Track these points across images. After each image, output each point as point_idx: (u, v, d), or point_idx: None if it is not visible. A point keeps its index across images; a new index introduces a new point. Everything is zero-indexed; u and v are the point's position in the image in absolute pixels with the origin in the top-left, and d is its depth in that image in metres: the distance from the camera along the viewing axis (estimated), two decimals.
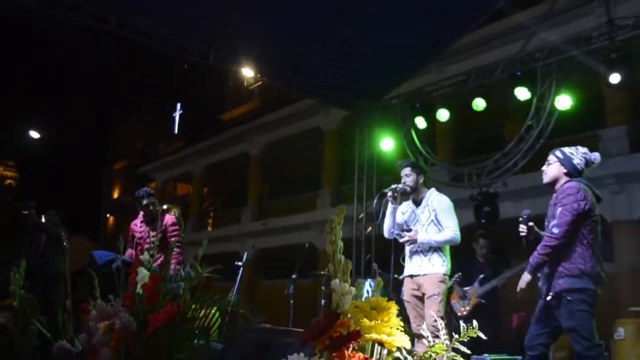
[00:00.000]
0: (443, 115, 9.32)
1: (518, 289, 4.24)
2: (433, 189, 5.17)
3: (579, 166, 4.28)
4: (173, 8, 7.41)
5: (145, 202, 6.61)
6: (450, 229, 4.88)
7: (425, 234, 4.89)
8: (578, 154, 4.32)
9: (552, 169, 4.35)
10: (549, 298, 4.12)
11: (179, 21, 7.69)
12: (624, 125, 10.77)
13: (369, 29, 7.95)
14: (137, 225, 6.72)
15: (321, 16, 7.78)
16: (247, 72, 8.77)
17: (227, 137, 22.04)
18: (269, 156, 20.49)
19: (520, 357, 5.77)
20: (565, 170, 4.29)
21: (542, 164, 4.51)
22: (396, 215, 5.09)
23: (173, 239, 6.05)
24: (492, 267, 7.85)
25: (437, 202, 4.99)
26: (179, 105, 32.72)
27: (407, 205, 5.13)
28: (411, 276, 5.01)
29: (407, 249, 5.08)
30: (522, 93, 8.20)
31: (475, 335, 1.82)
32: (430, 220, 4.96)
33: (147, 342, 2.19)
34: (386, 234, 5.17)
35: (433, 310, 4.66)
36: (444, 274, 4.90)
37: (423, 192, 5.09)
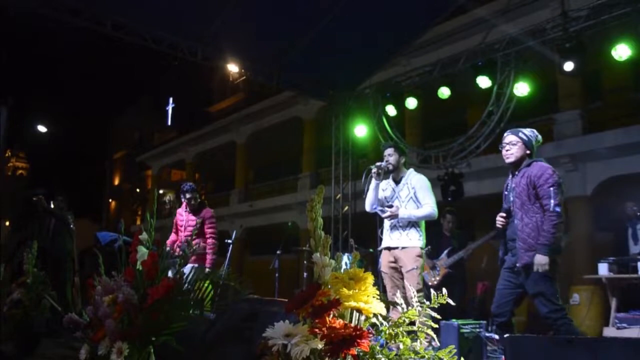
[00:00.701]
0: (411, 103, 9.28)
1: (541, 270, 3.91)
2: (412, 169, 5.10)
3: (535, 146, 4.24)
4: (163, 10, 7.38)
5: (188, 196, 6.77)
6: (429, 205, 4.81)
7: (406, 209, 4.80)
8: (534, 135, 4.27)
9: (518, 150, 4.21)
10: (516, 269, 4.06)
11: (169, 22, 7.65)
12: (577, 110, 10.73)
13: (343, 25, 7.98)
14: (181, 214, 6.86)
15: (299, 15, 7.83)
16: (232, 68, 8.74)
17: (215, 128, 22.00)
18: (253, 144, 20.48)
19: (484, 322, 5.68)
20: (528, 151, 4.21)
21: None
22: (378, 191, 5.00)
23: (210, 230, 6.57)
24: (458, 240, 7.82)
25: (416, 180, 4.92)
26: (171, 99, 32.61)
27: (387, 183, 5.04)
28: (389, 249, 4.91)
29: (387, 223, 4.99)
30: (483, 81, 8.15)
31: (444, 302, 1.81)
32: (409, 197, 4.88)
33: (146, 313, 2.22)
34: (368, 208, 5.05)
35: (413, 283, 4.58)
36: (421, 248, 4.82)
37: (403, 172, 5.01)
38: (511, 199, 4.18)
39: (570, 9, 7.54)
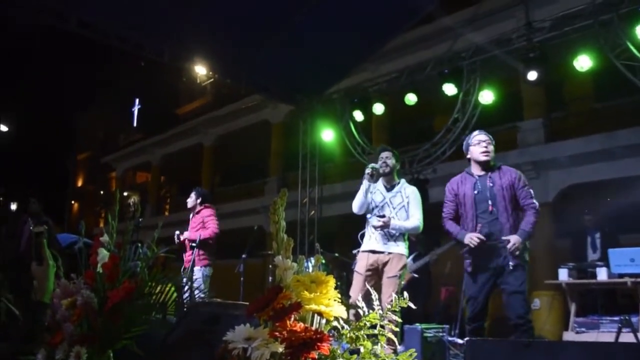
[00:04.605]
0: (378, 108, 9.36)
1: (513, 249, 4.08)
2: (404, 179, 5.04)
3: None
4: (130, 9, 7.24)
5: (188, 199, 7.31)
6: (416, 218, 4.80)
7: (398, 221, 4.75)
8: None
9: (492, 149, 4.36)
10: (510, 268, 4.11)
11: (135, 21, 7.56)
12: (540, 118, 10.90)
13: (311, 30, 7.98)
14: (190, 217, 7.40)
15: (267, 18, 7.81)
16: (200, 70, 8.66)
17: (182, 130, 21.75)
18: (221, 147, 20.31)
19: (447, 326, 5.77)
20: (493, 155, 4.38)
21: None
22: (368, 194, 4.92)
23: (210, 224, 7.11)
24: (423, 245, 7.86)
25: (410, 191, 4.88)
26: (137, 100, 32.17)
27: (374, 187, 4.91)
28: (374, 252, 4.80)
29: (374, 228, 4.87)
30: (449, 89, 8.27)
31: (406, 306, 1.81)
32: (402, 205, 4.82)
33: (106, 316, 2.17)
34: (356, 210, 4.90)
35: (392, 290, 4.58)
36: (406, 256, 4.82)
37: (395, 179, 4.95)
38: (488, 196, 4.24)
39: (535, 20, 7.71)
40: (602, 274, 6.62)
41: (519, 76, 8.23)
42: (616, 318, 6.06)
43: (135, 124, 32.38)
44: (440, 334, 5.75)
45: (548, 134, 10.81)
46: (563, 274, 7.07)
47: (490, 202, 4.22)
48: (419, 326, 5.64)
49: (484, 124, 8.73)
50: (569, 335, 6.72)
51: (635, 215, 8.10)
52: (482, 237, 4.16)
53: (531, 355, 1.81)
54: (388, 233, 4.76)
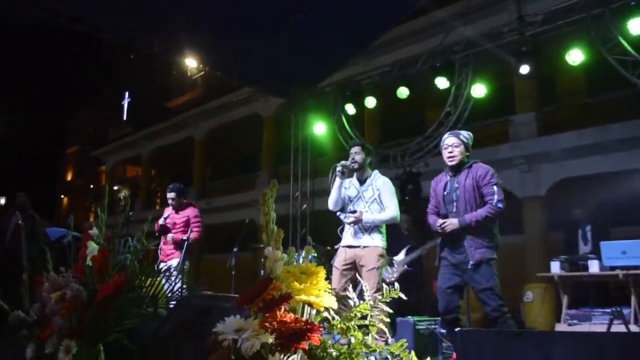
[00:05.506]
0: (371, 102, 9.35)
1: (444, 227, 4.24)
2: (377, 171, 5.09)
3: (470, 148, 4.44)
4: (120, 2, 7.16)
5: (168, 196, 7.18)
6: (391, 209, 4.82)
7: (370, 214, 4.81)
8: (470, 137, 4.45)
9: (459, 152, 4.37)
10: (469, 266, 4.16)
11: (125, 13, 7.44)
12: (532, 112, 10.95)
13: (303, 22, 7.91)
14: (167, 213, 7.26)
15: (258, 10, 7.70)
16: (191, 62, 8.60)
17: (172, 123, 21.68)
18: (212, 140, 20.31)
19: (439, 319, 5.80)
20: (467, 153, 4.39)
21: None
22: (341, 190, 5.01)
23: (195, 227, 6.95)
24: (415, 239, 7.88)
25: (381, 183, 4.92)
26: (127, 93, 31.99)
27: (350, 182, 5.02)
28: (350, 247, 4.89)
29: (347, 224, 4.98)
30: (441, 82, 8.28)
31: (396, 297, 1.82)
32: (373, 198, 4.87)
33: (96, 310, 2.15)
34: (331, 207, 5.04)
35: (371, 283, 4.60)
36: (382, 248, 4.84)
37: (368, 172, 4.99)
38: (454, 198, 4.31)
39: (527, 14, 7.73)
40: (594, 267, 6.67)
41: (511, 70, 8.25)
42: (608, 310, 6.11)
43: (125, 118, 32.22)
44: (433, 327, 5.79)
45: (540, 127, 10.87)
46: (555, 267, 7.11)
47: (455, 204, 4.30)
48: (411, 319, 5.67)
49: (476, 117, 8.81)
50: (561, 328, 6.77)
51: (627, 209, 8.18)
52: (443, 222, 4.30)
53: (522, 345, 1.83)
54: (362, 227, 4.83)
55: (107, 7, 7.25)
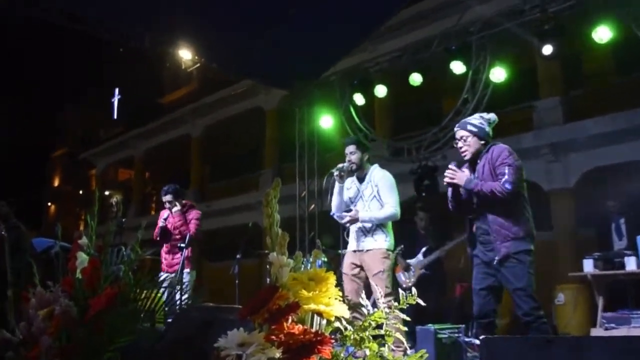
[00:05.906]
0: (381, 91, 9.30)
1: (448, 175, 4.25)
2: (376, 165, 5.16)
3: (489, 132, 4.36)
4: None
5: (163, 199, 7.23)
6: (390, 205, 4.88)
7: (366, 212, 4.88)
8: (484, 120, 4.38)
9: (471, 144, 4.32)
10: (495, 262, 4.09)
11: (112, 3, 7.38)
12: (557, 96, 10.88)
13: (305, 8, 7.84)
14: (165, 216, 7.30)
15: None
16: (185, 55, 8.52)
17: (167, 121, 21.69)
18: (210, 138, 20.30)
19: (463, 326, 5.77)
20: (482, 141, 4.31)
21: None
22: (343, 194, 5.09)
23: (193, 228, 7.06)
24: (434, 239, 7.85)
25: (379, 177, 4.98)
26: (117, 90, 32.03)
27: (351, 182, 5.12)
28: (354, 251, 4.99)
29: (352, 225, 5.05)
30: (457, 67, 8.21)
31: (414, 303, 1.81)
32: (372, 195, 4.95)
33: (88, 326, 2.12)
34: (334, 210, 5.16)
35: (381, 287, 4.58)
36: (387, 249, 4.88)
37: (367, 169, 5.07)
38: None
39: None
40: (630, 264, 6.62)
41: (533, 51, 8.20)
42: None
43: (115, 116, 32.26)
44: (456, 335, 5.76)
45: (567, 113, 10.79)
46: (588, 265, 7.07)
47: (475, 198, 4.25)
48: (432, 327, 5.64)
49: (496, 104, 8.74)
50: (597, 332, 6.72)
51: None
52: (453, 168, 4.29)
53: (553, 352, 1.81)
54: (364, 228, 4.90)
55: None
